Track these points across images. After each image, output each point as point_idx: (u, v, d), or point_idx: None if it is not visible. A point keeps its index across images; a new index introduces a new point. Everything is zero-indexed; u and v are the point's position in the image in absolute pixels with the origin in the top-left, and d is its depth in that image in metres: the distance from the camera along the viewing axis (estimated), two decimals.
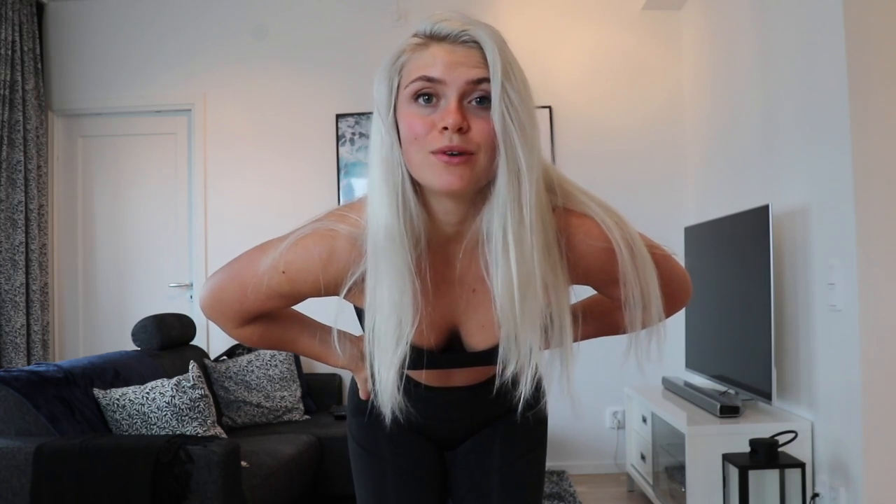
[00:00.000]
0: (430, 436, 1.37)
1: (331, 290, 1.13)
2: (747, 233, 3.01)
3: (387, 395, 1.08)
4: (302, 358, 4.30)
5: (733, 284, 3.19)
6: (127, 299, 4.49)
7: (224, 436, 2.83)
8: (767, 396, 2.79)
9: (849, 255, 2.48)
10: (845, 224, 2.51)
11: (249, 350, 4.04)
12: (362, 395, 1.32)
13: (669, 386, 3.64)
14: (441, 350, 1.18)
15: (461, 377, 1.28)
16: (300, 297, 1.18)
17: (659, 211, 4.34)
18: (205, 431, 2.73)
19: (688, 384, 3.48)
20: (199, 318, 4.38)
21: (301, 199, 4.43)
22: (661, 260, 1.23)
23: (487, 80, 0.98)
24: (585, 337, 1.26)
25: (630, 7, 4.38)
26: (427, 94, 1.00)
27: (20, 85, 4.17)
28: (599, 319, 1.29)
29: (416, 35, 1.03)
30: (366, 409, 1.32)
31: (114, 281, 4.51)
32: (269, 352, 3.92)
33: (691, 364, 3.71)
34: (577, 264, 1.11)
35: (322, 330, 1.28)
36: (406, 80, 1.02)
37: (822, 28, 2.64)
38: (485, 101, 0.99)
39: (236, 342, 4.26)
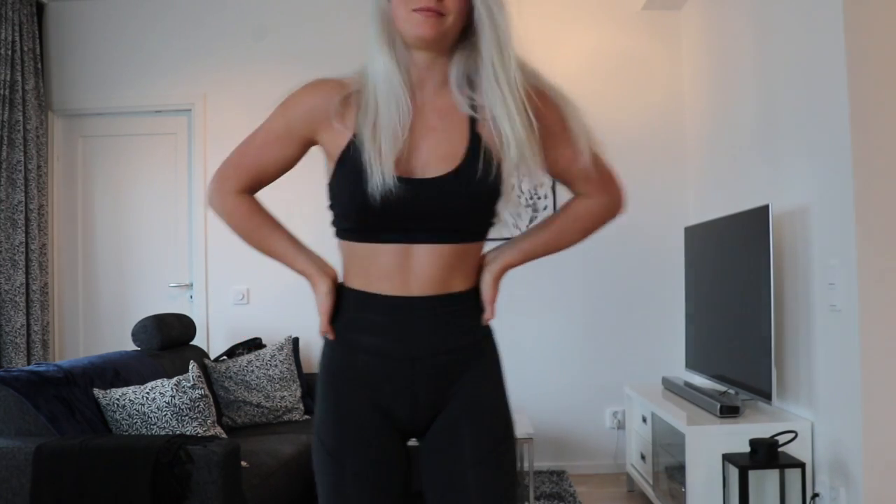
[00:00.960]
0: (394, 416, 1.34)
1: (319, 117, 1.32)
2: (747, 233, 3.01)
3: (385, 175, 1.24)
4: (302, 358, 4.31)
5: (733, 284, 3.19)
6: (127, 299, 4.50)
7: (224, 436, 2.83)
8: (767, 396, 2.79)
9: (849, 255, 2.48)
10: (845, 224, 2.51)
11: (249, 350, 4.04)
12: (322, 329, 1.37)
13: (669, 386, 3.64)
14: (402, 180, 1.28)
15: (419, 279, 1.31)
16: (293, 135, 1.35)
17: (659, 211, 4.34)
18: (205, 431, 2.73)
19: (688, 384, 3.49)
20: (199, 318, 4.38)
21: (300, 200, 4.42)
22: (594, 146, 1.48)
23: None
24: (571, 241, 1.56)
25: (630, 7, 4.38)
26: None
27: (20, 85, 4.17)
28: (573, 220, 1.54)
29: None
30: (337, 388, 1.35)
31: (114, 281, 4.52)
32: (269, 352, 3.92)
33: (691, 364, 3.71)
34: (545, 109, 1.33)
35: (296, 240, 1.46)
36: None
37: (822, 28, 2.64)
38: None
39: (235, 343, 4.27)
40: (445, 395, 1.35)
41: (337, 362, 1.36)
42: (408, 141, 1.28)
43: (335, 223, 1.37)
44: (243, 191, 1.40)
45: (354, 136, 1.28)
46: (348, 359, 1.34)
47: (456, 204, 1.28)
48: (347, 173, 1.27)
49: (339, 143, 1.30)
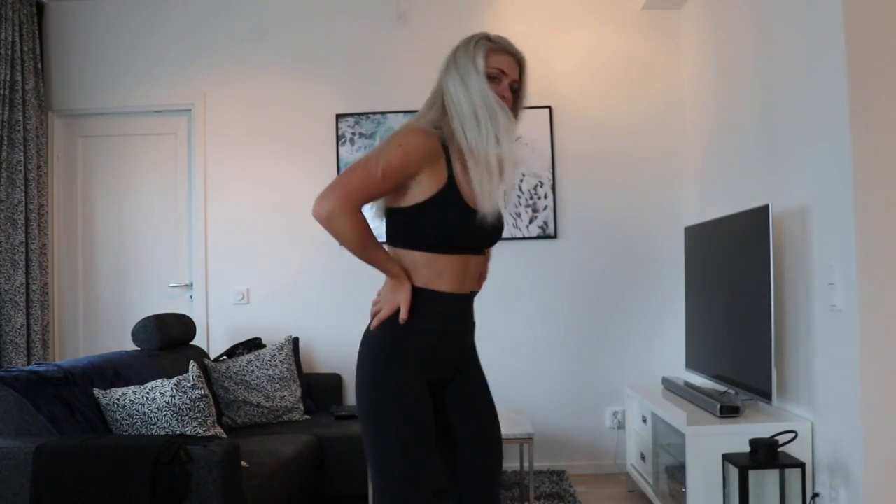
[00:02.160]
0: (433, 376, 1.86)
1: (432, 158, 1.77)
2: (747, 233, 3.01)
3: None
4: (302, 358, 4.31)
5: (733, 284, 3.19)
6: (127, 299, 4.50)
7: (224, 436, 2.83)
8: (767, 396, 2.79)
9: (849, 255, 2.49)
10: (845, 224, 2.51)
11: (249, 350, 4.04)
12: (404, 316, 1.80)
13: (669, 386, 3.64)
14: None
15: (469, 279, 1.87)
16: (407, 172, 1.75)
17: (659, 211, 4.34)
18: (205, 431, 2.73)
19: (688, 384, 3.49)
20: (199, 318, 4.38)
21: (301, 199, 4.43)
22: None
23: (519, 81, 1.89)
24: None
25: (630, 7, 4.38)
26: (496, 77, 1.83)
27: (20, 85, 4.17)
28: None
29: (490, 40, 1.84)
30: (400, 358, 1.80)
31: (114, 281, 4.52)
32: (268, 352, 3.93)
33: (691, 364, 3.71)
34: None
35: (387, 251, 1.86)
36: (490, 65, 1.82)
37: (822, 28, 2.64)
38: (513, 91, 1.88)
39: (235, 343, 4.27)
40: (460, 363, 1.93)
41: (402, 340, 1.81)
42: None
43: (412, 238, 1.82)
44: (359, 210, 1.75)
45: (448, 178, 1.78)
46: (413, 337, 1.81)
47: (497, 229, 1.87)
48: (446, 206, 1.77)
49: (438, 182, 1.77)
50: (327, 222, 1.71)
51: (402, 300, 1.80)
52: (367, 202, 1.78)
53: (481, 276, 1.99)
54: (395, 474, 1.75)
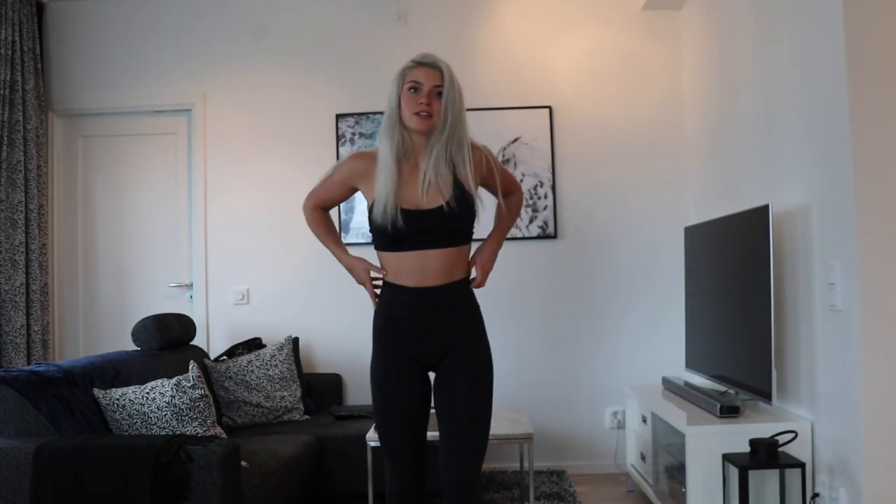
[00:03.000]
0: (417, 358, 2.19)
1: (358, 175, 2.25)
2: (747, 233, 3.01)
3: (388, 211, 2.11)
4: (302, 358, 4.31)
5: (733, 284, 3.19)
6: (127, 299, 4.50)
7: (224, 436, 2.83)
8: (767, 396, 2.79)
9: (849, 255, 2.49)
10: (845, 224, 2.51)
11: (249, 350, 4.05)
12: (372, 301, 2.27)
13: (669, 386, 3.64)
14: (411, 211, 2.13)
15: (431, 274, 2.15)
16: (346, 183, 2.29)
17: (659, 211, 4.34)
18: (205, 431, 2.73)
19: (688, 384, 3.49)
20: (199, 318, 4.38)
21: (301, 199, 4.42)
22: (506, 172, 2.39)
23: (441, 85, 2.14)
24: (507, 227, 2.42)
25: (630, 7, 4.38)
26: (414, 88, 2.15)
27: (20, 85, 4.17)
28: (500, 219, 2.41)
29: (413, 61, 2.18)
30: (381, 339, 2.21)
31: (114, 281, 4.52)
32: (268, 352, 3.93)
33: (691, 364, 3.71)
34: (478, 164, 2.23)
35: (341, 242, 2.40)
36: (406, 80, 2.17)
37: (822, 28, 2.64)
38: (439, 94, 2.14)
39: (235, 343, 4.28)
40: (447, 347, 2.19)
41: (382, 327, 2.21)
42: (413, 186, 2.16)
43: (374, 240, 2.21)
44: (317, 207, 2.38)
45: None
46: (389, 325, 2.20)
47: (444, 225, 2.14)
48: (376, 210, 2.14)
49: (372, 192, 2.18)
50: (303, 213, 2.40)
51: (363, 284, 2.29)
52: (324, 205, 2.38)
53: (483, 265, 2.32)
54: (379, 435, 2.25)
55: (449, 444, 2.16)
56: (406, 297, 2.16)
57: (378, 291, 2.26)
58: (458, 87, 2.16)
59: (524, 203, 4.33)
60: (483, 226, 2.28)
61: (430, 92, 2.12)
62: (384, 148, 2.16)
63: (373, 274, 2.28)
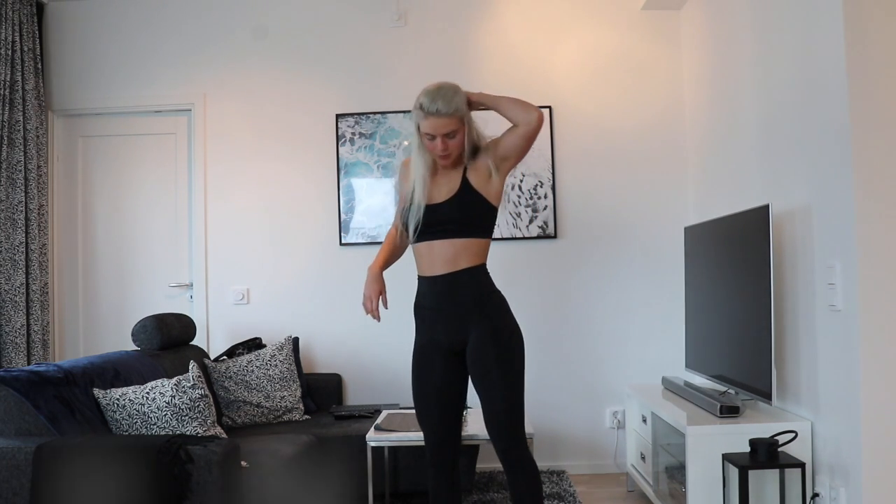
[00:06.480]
0: (443, 343, 2.44)
1: (402, 182, 2.58)
2: (747, 233, 3.01)
3: (416, 216, 2.41)
4: (302, 358, 4.31)
5: (733, 284, 3.19)
6: (127, 299, 4.50)
7: (224, 436, 2.83)
8: (767, 396, 2.79)
9: (849, 255, 2.49)
10: (845, 224, 2.51)
11: (249, 350, 4.05)
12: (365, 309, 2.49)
13: (669, 386, 3.64)
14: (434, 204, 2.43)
15: (438, 262, 2.40)
16: (402, 192, 2.56)
17: (659, 211, 4.34)
18: (205, 431, 2.73)
19: (688, 384, 3.49)
20: (199, 318, 4.38)
21: (301, 199, 4.43)
22: (506, 135, 2.50)
23: (454, 130, 2.37)
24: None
25: (630, 7, 4.39)
26: (431, 136, 2.38)
27: (20, 85, 4.17)
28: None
29: (421, 108, 2.36)
30: (418, 328, 2.52)
31: (114, 281, 4.52)
32: (268, 352, 3.93)
33: (691, 364, 3.71)
34: (496, 147, 2.45)
35: (388, 254, 2.60)
36: (422, 129, 2.39)
37: (822, 28, 2.64)
38: (452, 134, 2.37)
39: (235, 343, 4.28)
40: (466, 330, 2.41)
41: (415, 314, 2.52)
42: (433, 186, 2.45)
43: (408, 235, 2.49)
44: (395, 226, 2.62)
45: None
46: (416, 312, 2.51)
47: (448, 217, 2.39)
48: (403, 206, 2.49)
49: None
50: None
51: (368, 296, 2.49)
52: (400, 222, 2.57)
53: (477, 255, 2.47)
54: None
55: (488, 419, 2.39)
56: (423, 287, 2.46)
57: (378, 316, 2.48)
58: (467, 114, 2.38)
59: (524, 204, 4.34)
60: (501, 228, 2.48)
61: (444, 138, 2.35)
62: (418, 164, 2.44)
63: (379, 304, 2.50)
